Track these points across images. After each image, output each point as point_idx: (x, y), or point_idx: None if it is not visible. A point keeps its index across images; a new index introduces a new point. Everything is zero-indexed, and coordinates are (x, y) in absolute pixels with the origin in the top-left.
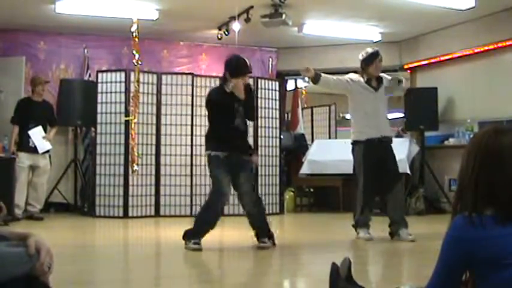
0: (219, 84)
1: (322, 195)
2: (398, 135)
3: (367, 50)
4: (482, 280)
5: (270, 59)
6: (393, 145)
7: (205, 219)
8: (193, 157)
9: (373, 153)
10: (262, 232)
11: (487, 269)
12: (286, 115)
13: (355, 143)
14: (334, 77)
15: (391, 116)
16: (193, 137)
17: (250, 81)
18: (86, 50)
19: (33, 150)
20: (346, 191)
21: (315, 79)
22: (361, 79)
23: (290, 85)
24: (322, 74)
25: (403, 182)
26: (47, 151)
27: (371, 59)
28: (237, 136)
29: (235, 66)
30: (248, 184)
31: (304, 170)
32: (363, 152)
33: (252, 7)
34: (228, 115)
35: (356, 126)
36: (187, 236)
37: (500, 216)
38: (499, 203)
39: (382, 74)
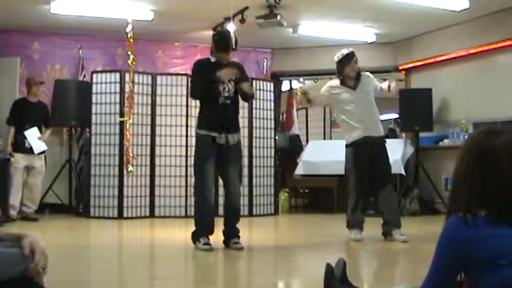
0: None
1: (317, 196)
2: (391, 133)
3: (342, 51)
4: (477, 281)
5: (265, 60)
6: (388, 146)
7: (198, 215)
8: (188, 158)
9: (362, 154)
10: (236, 230)
11: (481, 269)
12: (281, 116)
13: (346, 146)
14: (321, 96)
15: (386, 116)
16: (188, 138)
17: None
18: (80, 51)
19: (29, 151)
20: (341, 191)
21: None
22: (337, 82)
23: (285, 86)
24: (315, 98)
25: (394, 182)
26: (43, 152)
27: (346, 60)
28: (224, 114)
29: (217, 41)
30: (236, 182)
31: (299, 170)
32: (353, 154)
33: (247, 8)
34: (212, 90)
35: (344, 130)
36: (195, 236)
37: (494, 216)
38: (493, 203)
39: (366, 73)
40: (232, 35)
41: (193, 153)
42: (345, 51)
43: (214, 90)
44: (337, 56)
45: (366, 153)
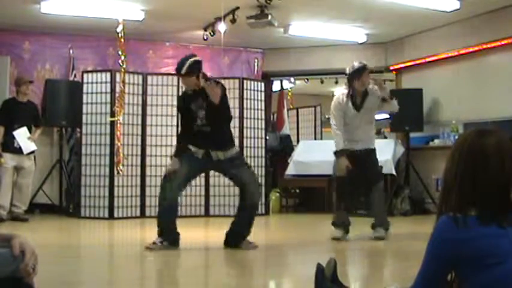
0: None
1: (307, 196)
2: (379, 133)
3: (353, 64)
4: (467, 280)
5: (256, 60)
6: (379, 146)
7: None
8: None
9: (352, 159)
10: (246, 233)
11: (471, 269)
12: (272, 116)
13: (335, 153)
14: (336, 126)
15: (376, 116)
16: None
17: (236, 82)
18: (71, 50)
19: (18, 151)
20: (332, 191)
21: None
22: (345, 98)
23: (276, 86)
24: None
25: (382, 185)
26: (32, 152)
27: (356, 74)
28: (202, 137)
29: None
30: (246, 175)
31: (290, 170)
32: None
33: (237, 8)
34: (188, 118)
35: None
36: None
37: (483, 216)
38: (482, 203)
39: (370, 87)
40: (188, 61)
41: None
42: (356, 64)
43: (190, 118)
44: (348, 69)
45: (355, 160)
